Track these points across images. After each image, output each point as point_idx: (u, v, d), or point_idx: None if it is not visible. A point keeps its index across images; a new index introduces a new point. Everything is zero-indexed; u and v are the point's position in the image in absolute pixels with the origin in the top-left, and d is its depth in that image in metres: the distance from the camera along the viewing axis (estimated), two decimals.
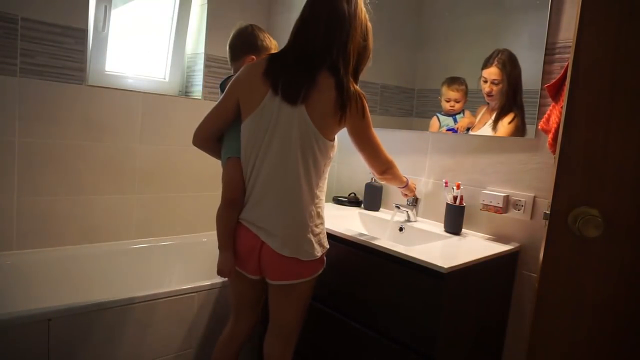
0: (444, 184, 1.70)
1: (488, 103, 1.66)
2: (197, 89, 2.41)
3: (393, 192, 1.96)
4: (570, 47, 1.10)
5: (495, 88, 1.61)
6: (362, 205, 2.03)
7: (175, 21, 2.39)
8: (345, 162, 2.18)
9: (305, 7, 1.28)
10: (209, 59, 2.37)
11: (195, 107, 2.33)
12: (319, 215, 1.34)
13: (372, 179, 1.98)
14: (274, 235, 1.29)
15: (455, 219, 1.65)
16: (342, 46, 1.25)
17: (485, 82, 1.63)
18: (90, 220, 2.12)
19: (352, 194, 2.08)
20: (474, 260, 1.34)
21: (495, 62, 1.59)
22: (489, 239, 1.62)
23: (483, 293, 1.47)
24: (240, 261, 1.36)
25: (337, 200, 2.10)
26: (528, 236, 1.54)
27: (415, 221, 1.80)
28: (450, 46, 1.81)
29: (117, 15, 2.16)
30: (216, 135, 1.39)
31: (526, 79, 1.53)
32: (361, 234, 1.55)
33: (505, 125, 1.59)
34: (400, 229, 1.75)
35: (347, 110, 1.25)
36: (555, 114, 1.33)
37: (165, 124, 2.29)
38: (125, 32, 2.24)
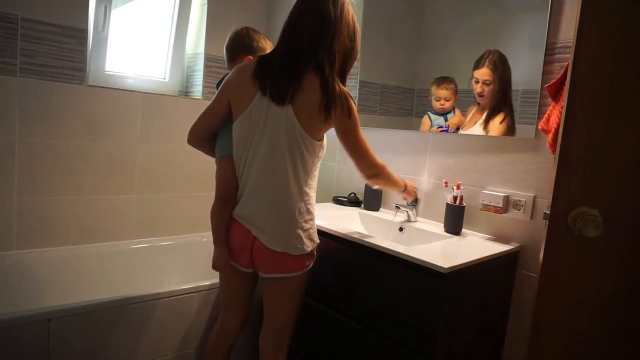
0: (444, 184, 1.70)
1: (479, 103, 1.67)
2: (197, 89, 2.41)
3: (393, 192, 1.96)
4: (570, 47, 1.10)
5: (486, 88, 1.62)
6: (362, 205, 2.03)
7: (175, 21, 2.39)
8: (345, 162, 2.18)
9: (292, 9, 1.32)
10: (209, 59, 2.37)
11: (195, 107, 2.32)
12: (309, 212, 1.38)
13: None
14: (264, 231, 1.33)
15: (455, 219, 1.65)
16: (327, 48, 1.28)
17: (477, 82, 1.64)
18: (90, 220, 2.12)
19: (352, 194, 2.08)
20: (474, 260, 1.34)
21: (487, 63, 1.61)
22: (489, 239, 1.62)
23: (483, 293, 1.47)
24: (234, 255, 1.41)
25: (337, 200, 2.10)
26: (528, 236, 1.54)
27: (415, 221, 1.80)
28: (451, 46, 1.81)
29: (117, 15, 2.16)
30: (210, 134, 1.43)
31: (526, 79, 1.53)
32: (361, 234, 1.55)
33: (497, 125, 1.61)
34: (400, 229, 1.75)
35: (333, 110, 1.28)
36: (555, 114, 1.33)
37: (165, 124, 2.29)
38: (125, 32, 2.24)
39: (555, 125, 1.31)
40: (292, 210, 1.33)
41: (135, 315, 1.66)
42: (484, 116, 1.64)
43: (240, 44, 1.55)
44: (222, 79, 1.50)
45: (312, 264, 1.42)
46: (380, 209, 1.98)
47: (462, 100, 1.75)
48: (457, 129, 1.75)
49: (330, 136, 2.26)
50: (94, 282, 2.02)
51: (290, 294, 1.42)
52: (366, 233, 1.73)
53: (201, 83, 2.38)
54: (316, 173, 1.40)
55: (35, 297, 1.82)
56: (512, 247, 1.52)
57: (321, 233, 1.62)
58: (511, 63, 1.58)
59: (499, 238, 1.61)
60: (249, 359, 1.90)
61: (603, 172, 0.97)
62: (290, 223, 1.33)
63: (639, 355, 0.99)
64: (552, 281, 1.03)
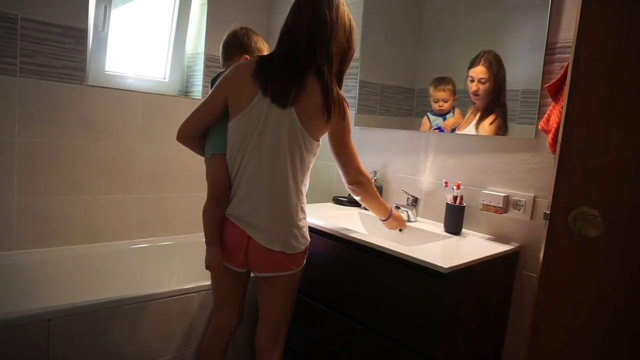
0: (444, 184, 1.70)
1: (474, 102, 1.68)
2: (197, 89, 2.41)
3: (393, 192, 1.96)
4: (570, 47, 1.10)
5: (482, 87, 1.63)
6: (362, 205, 2.02)
7: (175, 21, 2.39)
8: None
9: (289, 13, 1.34)
10: (209, 59, 2.37)
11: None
12: (302, 210, 1.40)
13: (372, 179, 1.97)
14: (261, 230, 1.33)
15: (455, 219, 1.65)
16: (325, 50, 1.30)
17: (472, 81, 1.65)
18: (90, 220, 2.12)
19: None
20: (474, 260, 1.34)
21: (482, 61, 1.62)
22: (489, 239, 1.61)
23: (483, 293, 1.47)
24: (228, 255, 1.40)
25: (337, 200, 2.10)
26: (528, 236, 1.54)
27: (415, 221, 1.80)
28: (451, 46, 1.81)
29: (117, 15, 2.16)
30: (201, 131, 1.43)
31: (526, 79, 1.53)
32: (361, 234, 1.55)
33: (487, 127, 1.62)
34: (400, 229, 1.75)
35: (332, 113, 1.31)
36: (555, 114, 1.33)
37: (165, 124, 2.29)
38: (125, 32, 2.24)
39: (555, 125, 1.31)
40: (290, 209, 1.34)
41: (135, 315, 1.66)
42: (477, 117, 1.65)
43: (237, 43, 1.56)
44: (217, 76, 1.51)
45: (305, 262, 1.44)
46: None
47: (463, 100, 1.75)
48: (453, 129, 1.76)
49: (325, 137, 2.26)
50: (94, 282, 2.02)
51: (284, 292, 1.43)
52: (366, 233, 1.73)
53: (201, 83, 2.38)
54: (309, 172, 1.43)
55: (35, 297, 1.82)
56: (512, 247, 1.52)
57: (321, 233, 1.62)
58: (511, 63, 1.58)
59: (499, 238, 1.61)
60: (246, 356, 1.90)
61: (603, 172, 0.97)
62: (288, 222, 1.35)
63: (639, 355, 0.99)
64: (552, 281, 1.03)
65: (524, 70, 1.55)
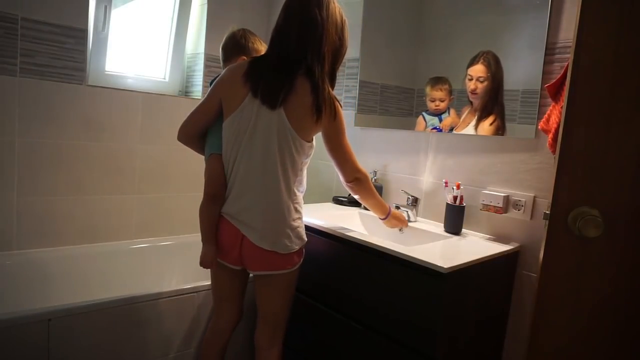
0: (444, 184, 1.70)
1: (471, 102, 1.69)
2: (197, 89, 2.41)
3: (393, 192, 1.96)
4: (570, 47, 1.10)
5: (480, 85, 1.64)
6: (362, 205, 2.03)
7: (175, 21, 2.39)
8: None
9: (279, 14, 1.35)
10: (209, 59, 2.37)
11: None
12: (297, 211, 1.39)
13: (372, 179, 1.97)
14: (253, 229, 1.35)
15: (455, 219, 1.65)
16: (316, 50, 1.31)
17: (471, 79, 1.66)
18: (90, 220, 2.12)
19: None
20: (474, 260, 1.34)
21: (482, 60, 1.62)
22: (489, 239, 1.61)
23: (483, 293, 1.47)
24: (223, 253, 1.42)
25: (337, 200, 2.10)
26: (528, 236, 1.54)
27: (415, 221, 1.80)
28: (451, 46, 1.81)
29: (117, 15, 2.16)
30: (200, 131, 1.45)
31: (526, 79, 1.53)
32: (361, 234, 1.55)
33: (486, 127, 1.63)
34: (400, 229, 1.75)
35: (323, 113, 1.31)
36: (555, 114, 1.33)
37: (165, 124, 2.29)
38: (125, 32, 2.24)
39: (555, 125, 1.31)
40: (281, 209, 1.34)
41: (135, 315, 1.66)
42: (476, 118, 1.65)
43: (235, 44, 1.58)
44: (216, 77, 1.52)
45: (301, 262, 1.44)
46: None
47: (457, 100, 1.77)
48: (451, 129, 1.76)
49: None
50: (94, 282, 2.02)
51: (280, 291, 1.44)
52: (366, 233, 1.73)
53: (201, 83, 2.38)
54: (304, 173, 1.43)
55: (35, 297, 1.82)
56: (512, 247, 1.52)
57: (321, 233, 1.62)
58: (511, 63, 1.58)
59: (499, 238, 1.61)
60: (246, 356, 1.90)
61: (603, 172, 0.97)
62: (279, 222, 1.35)
63: (639, 355, 0.99)
64: (552, 281, 1.03)
65: (524, 70, 1.55)
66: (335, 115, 1.35)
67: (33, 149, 1.93)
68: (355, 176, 1.48)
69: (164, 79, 2.43)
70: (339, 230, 1.56)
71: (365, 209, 1.98)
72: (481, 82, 1.64)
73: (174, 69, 2.43)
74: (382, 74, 2.07)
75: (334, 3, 1.35)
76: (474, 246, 1.52)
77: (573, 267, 1.01)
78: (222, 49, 1.61)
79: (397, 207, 1.79)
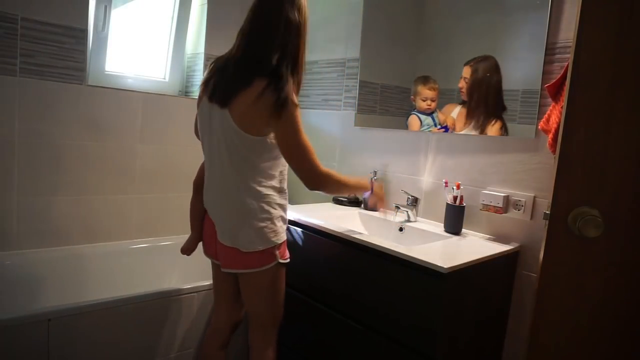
0: (444, 184, 1.70)
1: (466, 101, 1.71)
2: (197, 89, 2.40)
3: (393, 192, 1.96)
4: (570, 47, 1.10)
5: (465, 85, 1.69)
6: (362, 205, 2.03)
7: (175, 21, 2.39)
8: (345, 162, 2.18)
9: (248, 14, 1.33)
10: (209, 59, 2.37)
11: (195, 107, 2.32)
12: (264, 210, 1.34)
13: (372, 179, 1.98)
14: (217, 224, 1.39)
15: (455, 219, 1.65)
16: (287, 53, 1.28)
17: (461, 78, 1.69)
18: (90, 220, 2.12)
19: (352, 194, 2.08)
20: (474, 260, 1.34)
21: (472, 63, 1.67)
22: (489, 239, 1.62)
23: (483, 293, 1.47)
24: (205, 245, 1.48)
25: (337, 200, 2.10)
26: (528, 236, 1.54)
27: (415, 221, 1.80)
28: (451, 46, 1.81)
29: (117, 15, 2.16)
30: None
31: (526, 79, 1.53)
32: (361, 234, 1.55)
33: (494, 131, 1.63)
34: (400, 229, 1.75)
35: (276, 111, 1.23)
36: (555, 114, 1.33)
37: (165, 124, 2.29)
38: (125, 32, 2.24)
39: (555, 125, 1.31)
40: (238, 207, 1.33)
41: (135, 316, 1.66)
42: (480, 120, 1.66)
43: None
44: None
45: (272, 265, 1.38)
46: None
47: (445, 99, 1.83)
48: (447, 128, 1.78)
49: (325, 138, 2.27)
50: (94, 282, 2.02)
51: (257, 291, 1.43)
52: (366, 233, 1.73)
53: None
54: (274, 173, 1.35)
55: (35, 297, 1.83)
56: (512, 247, 1.52)
57: (321, 233, 1.62)
58: (511, 63, 1.58)
59: (499, 238, 1.61)
60: (246, 355, 1.90)
61: (603, 172, 0.97)
62: (236, 219, 1.34)
63: (638, 355, 0.99)
64: (552, 281, 1.03)
65: (524, 70, 1.55)
66: (279, 114, 1.23)
67: (33, 149, 1.93)
68: (318, 181, 1.34)
69: (164, 79, 2.43)
70: (339, 230, 1.56)
71: (365, 209, 1.98)
72: (466, 82, 1.69)
73: (174, 69, 2.43)
74: (382, 74, 2.07)
75: (305, 6, 1.32)
76: (474, 246, 1.52)
77: (573, 267, 1.01)
78: None
79: (397, 207, 1.79)
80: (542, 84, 1.46)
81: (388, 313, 1.40)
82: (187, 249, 1.55)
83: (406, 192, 1.85)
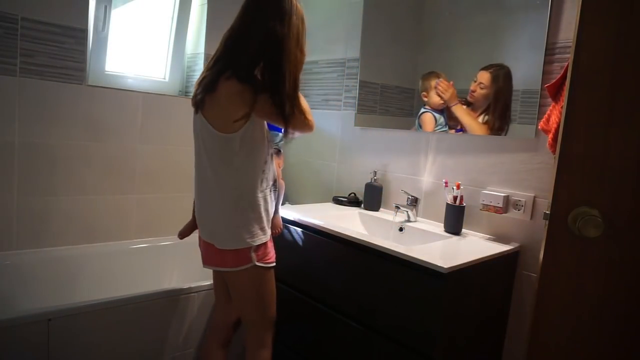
0: (444, 184, 1.70)
1: (470, 103, 1.70)
2: None
3: (393, 192, 1.96)
4: (570, 47, 1.10)
5: (479, 90, 1.67)
6: (362, 205, 2.03)
7: (175, 21, 2.39)
8: (345, 162, 2.18)
9: (235, 20, 1.33)
10: (209, 59, 2.37)
11: None
12: (239, 211, 1.34)
13: (372, 179, 1.98)
14: (198, 220, 1.44)
15: (455, 219, 1.65)
16: (275, 70, 1.25)
17: (475, 81, 1.67)
18: (90, 220, 2.12)
19: (352, 194, 2.08)
20: (474, 260, 1.34)
21: (492, 70, 1.63)
22: (489, 239, 1.62)
23: (483, 293, 1.47)
24: (199, 241, 1.49)
25: (337, 200, 2.10)
26: (528, 236, 1.54)
27: (415, 221, 1.80)
28: (451, 46, 1.81)
29: (117, 15, 2.16)
30: None
31: (526, 79, 1.53)
32: (361, 234, 1.55)
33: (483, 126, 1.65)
34: (400, 229, 1.75)
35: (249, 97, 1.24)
36: (555, 114, 1.33)
37: (165, 124, 2.29)
38: (125, 32, 2.24)
39: (555, 125, 1.31)
40: (215, 205, 1.37)
41: (135, 315, 1.66)
42: (497, 126, 1.64)
43: None
44: None
45: (249, 266, 1.36)
46: (380, 209, 1.98)
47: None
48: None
49: (325, 138, 2.27)
50: (94, 282, 2.02)
51: (240, 292, 1.43)
52: (366, 233, 1.73)
53: None
54: (253, 173, 1.34)
55: (35, 297, 1.82)
56: (512, 247, 1.52)
57: (321, 233, 1.62)
58: (511, 63, 1.58)
59: (499, 238, 1.61)
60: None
61: (603, 172, 0.97)
62: (215, 217, 1.37)
63: (639, 355, 0.99)
64: (552, 281, 1.03)
65: (524, 70, 1.55)
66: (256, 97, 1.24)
67: (33, 149, 1.93)
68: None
69: (164, 79, 2.43)
70: (338, 230, 1.56)
71: (365, 209, 1.98)
72: (481, 88, 1.66)
73: (174, 69, 2.43)
74: (382, 74, 2.07)
75: (296, 13, 1.28)
76: (474, 246, 1.52)
77: (573, 267, 1.01)
78: None
79: (397, 207, 1.79)
80: (542, 84, 1.46)
81: (388, 313, 1.40)
82: (181, 233, 1.58)
83: (406, 192, 1.85)
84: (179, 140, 2.33)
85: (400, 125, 1.97)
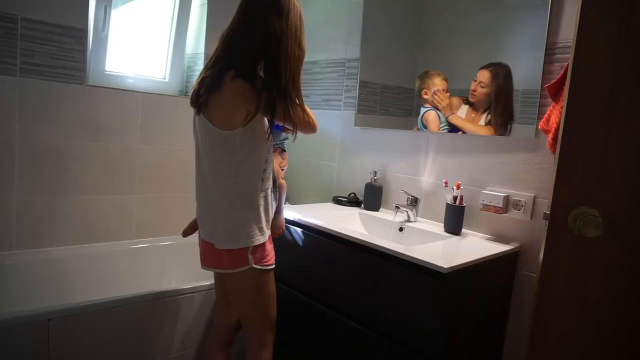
0: (444, 184, 1.70)
1: (472, 103, 1.70)
2: None
3: (393, 192, 1.96)
4: (570, 47, 1.10)
5: (479, 89, 1.66)
6: (362, 205, 2.03)
7: (175, 21, 2.39)
8: (345, 162, 2.18)
9: (234, 18, 1.33)
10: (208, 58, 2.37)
11: None
12: (237, 211, 1.33)
13: (372, 179, 1.98)
14: (198, 220, 1.44)
15: (455, 219, 1.65)
16: (271, 65, 1.26)
17: (475, 80, 1.67)
18: (90, 220, 2.12)
19: (352, 194, 2.08)
20: (474, 260, 1.34)
21: (491, 68, 1.63)
22: (489, 239, 1.62)
23: (483, 293, 1.47)
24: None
25: (337, 200, 2.10)
26: (528, 236, 1.54)
27: (415, 221, 1.80)
28: (451, 46, 1.81)
29: (117, 15, 2.16)
30: None
31: (526, 79, 1.53)
32: (361, 234, 1.55)
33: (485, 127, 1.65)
34: (400, 229, 1.75)
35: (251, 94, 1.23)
36: (555, 114, 1.33)
37: (165, 124, 2.29)
38: (125, 32, 2.24)
39: (555, 125, 1.31)
40: (213, 203, 1.36)
41: (135, 315, 1.66)
42: (499, 124, 1.64)
43: None
44: None
45: (246, 269, 1.34)
46: (380, 209, 1.98)
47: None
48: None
49: (325, 138, 2.26)
50: (94, 282, 2.02)
51: (238, 295, 1.42)
52: (366, 233, 1.73)
53: None
54: (253, 173, 1.34)
55: (35, 297, 1.82)
56: (512, 247, 1.52)
57: (321, 233, 1.62)
58: (511, 63, 1.58)
59: (499, 238, 1.61)
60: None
61: (603, 172, 0.97)
62: (213, 215, 1.36)
63: (638, 355, 0.99)
64: (552, 281, 1.03)
65: (524, 70, 1.55)
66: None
67: (33, 149, 1.93)
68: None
69: (164, 79, 2.43)
70: (339, 230, 1.56)
71: (365, 209, 1.98)
72: (482, 87, 1.65)
73: (174, 69, 2.43)
74: (382, 74, 2.07)
75: (294, 10, 1.28)
76: (474, 246, 1.52)
77: (573, 267, 1.01)
78: None
79: (397, 207, 1.79)
80: (542, 84, 1.46)
81: (388, 313, 1.40)
82: (185, 231, 1.56)
83: (406, 192, 1.85)
84: (179, 140, 2.33)
85: (400, 125, 1.97)
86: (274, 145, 1.49)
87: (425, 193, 1.86)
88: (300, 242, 1.72)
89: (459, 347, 1.41)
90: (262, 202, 1.36)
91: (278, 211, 1.51)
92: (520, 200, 1.55)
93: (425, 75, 1.84)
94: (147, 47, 2.35)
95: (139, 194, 2.27)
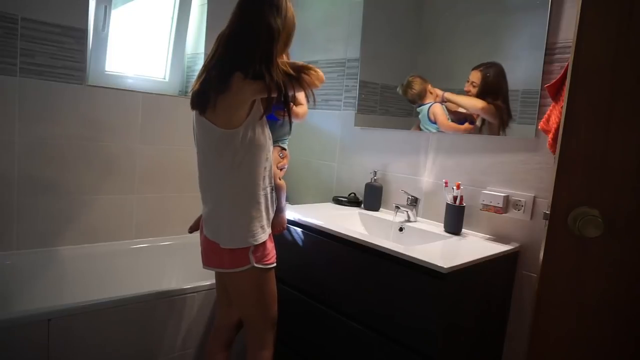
0: (444, 184, 1.70)
1: None
2: None
3: (393, 192, 1.96)
4: (570, 47, 1.10)
5: (472, 90, 1.68)
6: (362, 205, 2.03)
7: (175, 21, 2.39)
8: (345, 162, 2.18)
9: (231, 18, 1.34)
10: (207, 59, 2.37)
11: None
12: (244, 210, 1.34)
13: (372, 179, 1.98)
14: (203, 218, 1.43)
15: (455, 219, 1.65)
16: (265, 58, 1.27)
17: (468, 81, 1.69)
18: (90, 220, 2.12)
19: (352, 194, 2.08)
20: (474, 260, 1.34)
21: (482, 68, 1.65)
22: (489, 239, 1.62)
23: (483, 293, 1.47)
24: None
25: (337, 200, 2.10)
26: (528, 236, 1.54)
27: (415, 221, 1.80)
28: (451, 46, 1.81)
29: (117, 15, 2.16)
30: None
31: (526, 79, 1.53)
32: (361, 234, 1.55)
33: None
34: (401, 229, 1.75)
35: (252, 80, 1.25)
36: (555, 114, 1.33)
37: (165, 124, 2.29)
38: (125, 32, 2.24)
39: (555, 125, 1.31)
40: (216, 202, 1.37)
41: (135, 315, 1.66)
42: (497, 125, 1.65)
43: None
44: None
45: (247, 268, 1.35)
46: (380, 209, 1.98)
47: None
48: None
49: (325, 138, 2.26)
50: (94, 282, 2.02)
51: (239, 294, 1.42)
52: (366, 233, 1.73)
53: None
54: (254, 172, 1.34)
55: (35, 297, 1.83)
56: (512, 247, 1.52)
57: (321, 233, 1.62)
58: (511, 63, 1.58)
59: (499, 238, 1.61)
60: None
61: (603, 172, 0.97)
62: (217, 214, 1.37)
63: (638, 355, 0.99)
64: (551, 281, 1.03)
65: (524, 70, 1.55)
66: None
67: (33, 149, 1.93)
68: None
69: (164, 79, 2.43)
70: (339, 230, 1.56)
71: (365, 209, 1.98)
72: (474, 87, 1.67)
73: (174, 69, 2.43)
74: (382, 74, 2.07)
75: (289, 8, 1.32)
76: (474, 246, 1.52)
77: (573, 267, 1.01)
78: None
79: (397, 207, 1.79)
80: (542, 84, 1.46)
81: (388, 313, 1.40)
82: (191, 227, 1.58)
83: (406, 192, 1.85)
84: (179, 140, 2.33)
85: (400, 125, 1.97)
86: (273, 143, 1.49)
87: (425, 193, 1.86)
88: (300, 242, 1.72)
89: (459, 347, 1.41)
90: (263, 200, 1.37)
91: (279, 209, 1.52)
92: (520, 200, 1.55)
93: (405, 84, 1.89)
94: (147, 47, 2.35)
95: (139, 194, 2.27)
